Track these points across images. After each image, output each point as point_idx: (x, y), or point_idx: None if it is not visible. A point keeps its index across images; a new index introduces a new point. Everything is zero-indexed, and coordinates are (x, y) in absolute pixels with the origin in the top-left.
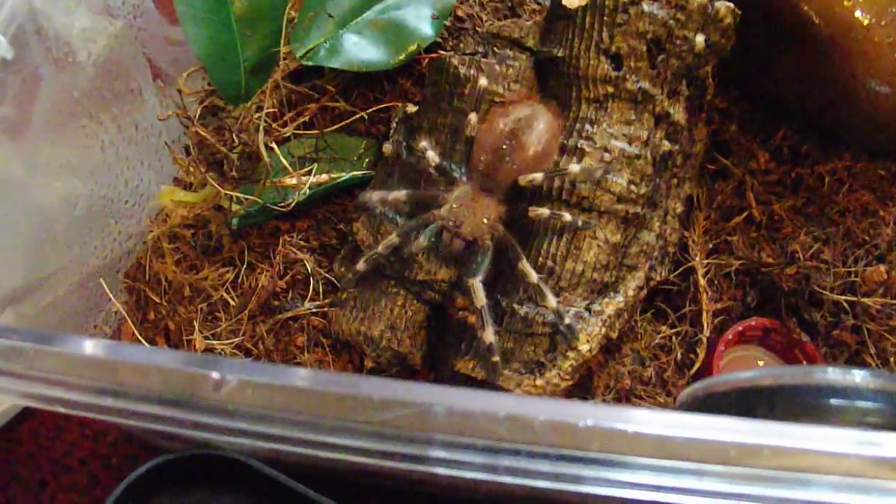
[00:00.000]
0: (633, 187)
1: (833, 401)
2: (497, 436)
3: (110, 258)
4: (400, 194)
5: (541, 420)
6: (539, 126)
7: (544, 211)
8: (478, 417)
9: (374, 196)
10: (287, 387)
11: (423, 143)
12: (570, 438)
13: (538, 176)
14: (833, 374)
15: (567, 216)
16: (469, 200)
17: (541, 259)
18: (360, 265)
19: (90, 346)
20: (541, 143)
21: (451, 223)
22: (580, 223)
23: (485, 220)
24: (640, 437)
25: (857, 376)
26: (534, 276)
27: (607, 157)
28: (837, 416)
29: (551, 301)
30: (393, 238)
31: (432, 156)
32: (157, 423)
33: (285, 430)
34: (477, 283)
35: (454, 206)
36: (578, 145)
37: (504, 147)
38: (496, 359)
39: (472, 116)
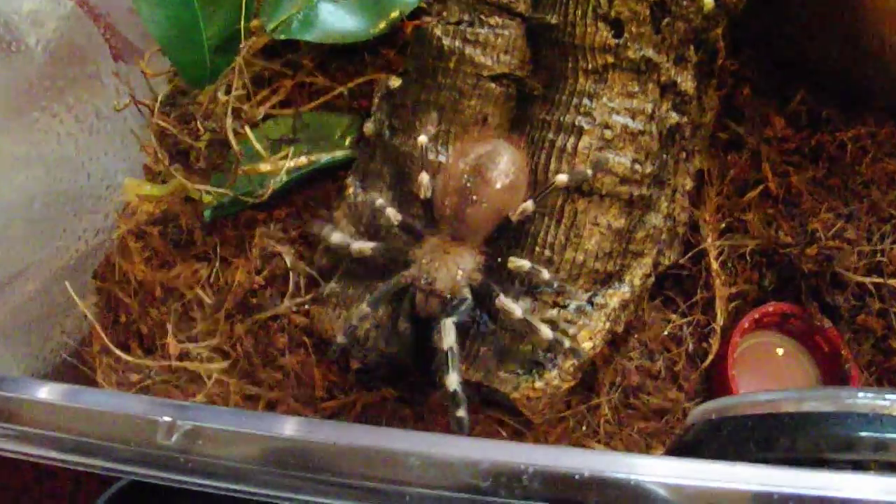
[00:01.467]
0: (637, 167)
1: (865, 433)
2: (481, 489)
3: (76, 258)
4: (366, 247)
5: (530, 473)
6: (503, 160)
7: (525, 263)
8: (456, 468)
9: (334, 237)
10: (249, 434)
11: (380, 201)
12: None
13: (528, 205)
14: (864, 400)
15: (545, 274)
16: (441, 253)
17: (538, 249)
18: (339, 339)
19: (35, 390)
20: (508, 176)
21: (422, 282)
22: (556, 284)
23: (460, 273)
24: (642, 490)
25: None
26: (518, 312)
27: (608, 134)
28: (870, 451)
29: (545, 333)
30: (364, 308)
31: (393, 214)
32: (107, 471)
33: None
34: (448, 323)
35: (424, 262)
36: (576, 123)
37: (469, 186)
38: (461, 413)
39: (423, 177)
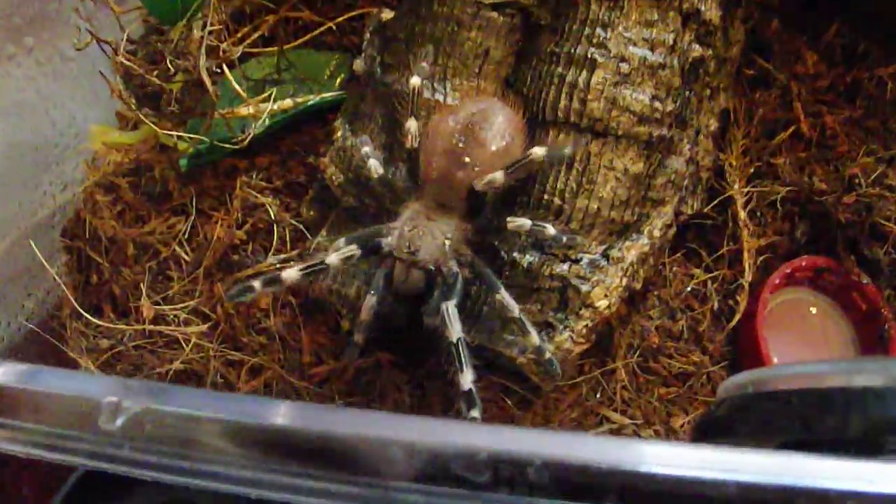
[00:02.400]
0: (657, 104)
1: None
2: (478, 484)
3: (42, 214)
4: (348, 249)
5: (537, 464)
6: (498, 120)
7: (525, 222)
8: (452, 458)
9: (365, 149)
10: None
11: (365, 149)
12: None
13: (497, 176)
14: None
15: (550, 230)
16: (423, 220)
17: (546, 197)
18: (357, 337)
19: None
20: (503, 139)
21: (404, 251)
22: (565, 239)
23: (446, 242)
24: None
25: None
26: (515, 310)
27: (625, 67)
28: None
29: (534, 338)
30: (372, 301)
31: (375, 166)
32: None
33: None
34: (452, 309)
35: (406, 229)
36: (589, 55)
37: (459, 146)
38: (476, 414)
39: (412, 123)
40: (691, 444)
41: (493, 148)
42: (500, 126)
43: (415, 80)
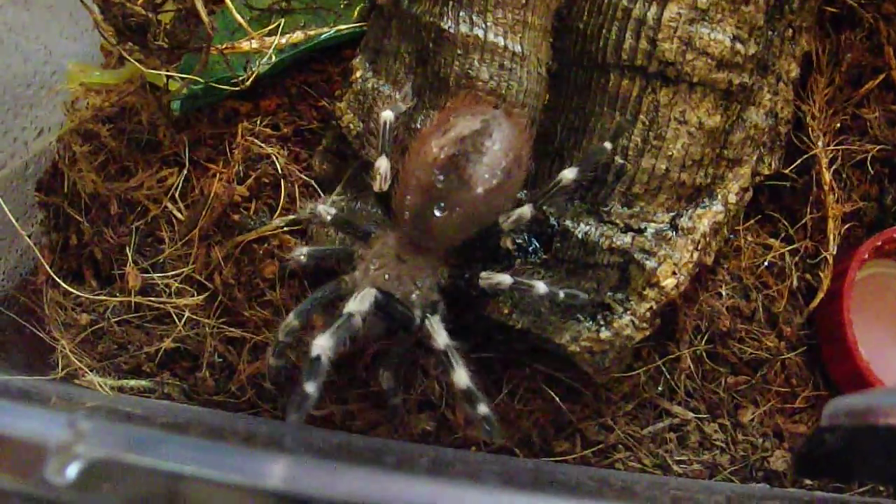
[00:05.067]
0: (738, 46)
1: None
2: None
3: (13, 165)
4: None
5: None
6: (493, 147)
7: (504, 279)
8: None
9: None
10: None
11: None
12: None
13: (525, 211)
14: None
15: (540, 287)
16: (392, 261)
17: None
18: (271, 361)
19: None
20: (496, 176)
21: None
22: (562, 295)
23: (414, 292)
24: None
25: None
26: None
27: (702, 1)
28: None
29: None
30: (291, 321)
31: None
32: None
33: None
34: (436, 321)
35: (372, 268)
36: None
37: (438, 186)
38: (485, 409)
39: (382, 163)
40: None
41: (481, 190)
42: (494, 157)
43: (386, 115)
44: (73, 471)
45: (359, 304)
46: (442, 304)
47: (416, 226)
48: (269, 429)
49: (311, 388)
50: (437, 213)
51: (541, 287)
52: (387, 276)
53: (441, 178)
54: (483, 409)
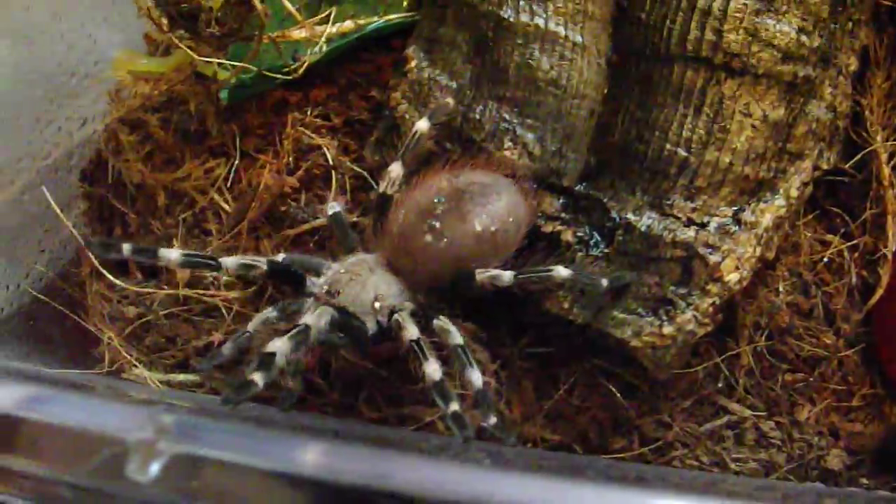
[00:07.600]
0: (804, 38)
1: None
2: None
3: (57, 155)
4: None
5: None
6: (497, 203)
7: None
8: None
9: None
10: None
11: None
12: None
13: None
14: None
15: (562, 271)
16: (364, 269)
17: (668, 147)
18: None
19: None
20: (492, 225)
21: (324, 288)
22: (605, 283)
23: (375, 302)
24: None
25: None
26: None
27: None
28: None
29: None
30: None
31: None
32: None
33: None
34: (405, 315)
35: (341, 270)
36: None
37: (437, 209)
38: (455, 407)
39: (396, 167)
40: None
41: (476, 228)
42: (494, 209)
43: (421, 125)
44: (155, 467)
45: (315, 318)
46: (413, 307)
47: (401, 244)
48: (338, 426)
49: (258, 378)
50: (426, 238)
51: (562, 271)
52: (350, 279)
53: (442, 203)
54: (455, 406)
